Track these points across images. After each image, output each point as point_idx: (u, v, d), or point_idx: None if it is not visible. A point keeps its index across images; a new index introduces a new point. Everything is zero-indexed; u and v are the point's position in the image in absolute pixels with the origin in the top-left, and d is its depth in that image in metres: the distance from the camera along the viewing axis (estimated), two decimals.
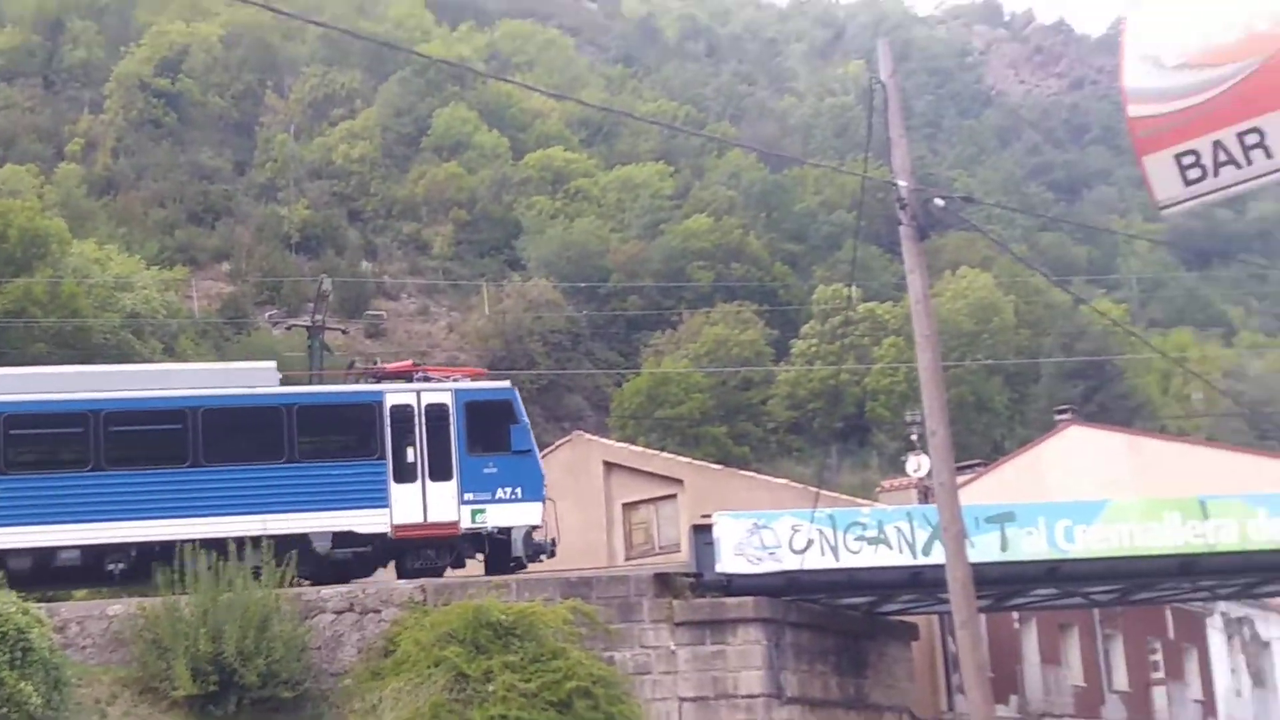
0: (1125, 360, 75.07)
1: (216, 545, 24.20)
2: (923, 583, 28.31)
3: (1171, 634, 44.26)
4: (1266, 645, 50.00)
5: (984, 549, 28.35)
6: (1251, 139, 7.41)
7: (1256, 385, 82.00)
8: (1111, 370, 76.05)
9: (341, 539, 27.26)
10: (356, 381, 31.32)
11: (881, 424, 71.88)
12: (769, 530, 28.09)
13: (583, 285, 77.63)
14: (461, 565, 28.70)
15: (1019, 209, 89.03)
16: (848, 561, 28.63)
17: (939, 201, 14.64)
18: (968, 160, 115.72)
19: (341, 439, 28.66)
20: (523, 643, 23.61)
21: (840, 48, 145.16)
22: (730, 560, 27.52)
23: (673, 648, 26.54)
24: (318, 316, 41.78)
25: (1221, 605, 45.08)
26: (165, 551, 24.93)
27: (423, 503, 27.62)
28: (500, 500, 27.83)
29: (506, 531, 27.93)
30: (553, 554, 29.04)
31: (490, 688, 22.90)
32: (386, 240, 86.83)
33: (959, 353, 72.12)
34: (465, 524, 27.70)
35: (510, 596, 24.94)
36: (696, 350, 74.60)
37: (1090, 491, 40.06)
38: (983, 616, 35.67)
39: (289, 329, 58.23)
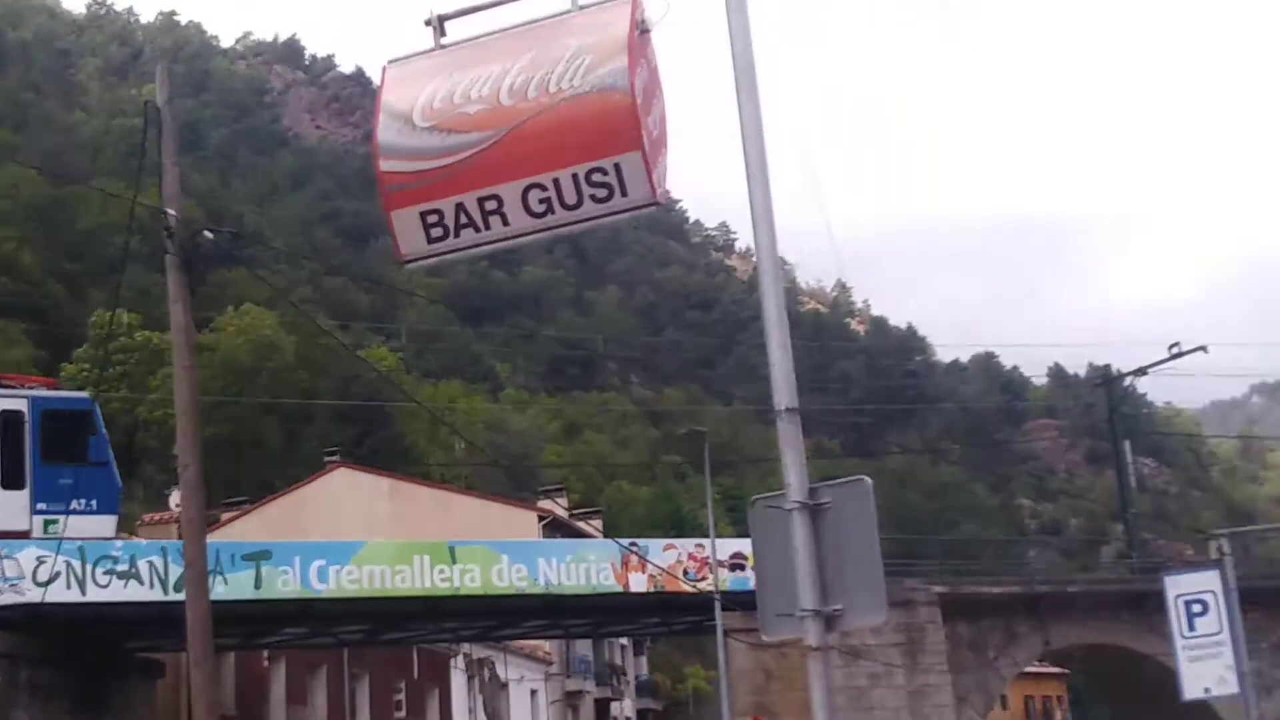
0: (397, 407, 77.17)
1: None
2: (173, 619, 27.77)
3: (416, 674, 45.77)
4: (504, 686, 52.71)
5: (237, 586, 28.33)
6: (491, 205, 7.89)
7: (515, 439, 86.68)
8: (384, 416, 77.95)
9: None
10: None
11: (152, 456, 69.81)
12: (12, 561, 26.71)
13: None
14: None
15: (300, 251, 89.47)
16: (96, 595, 27.76)
17: (208, 234, 14.53)
18: (261, 198, 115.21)
19: None
20: None
21: (137, 68, 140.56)
22: None
23: None
24: None
25: (465, 646, 47.17)
26: None
27: None
28: (75, 512, 26.94)
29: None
30: None
31: None
32: None
33: (237, 388, 71.42)
34: (37, 534, 26.70)
35: None
36: None
37: (353, 533, 40.89)
38: (232, 654, 35.62)
39: None
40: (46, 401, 28.35)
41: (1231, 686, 24.76)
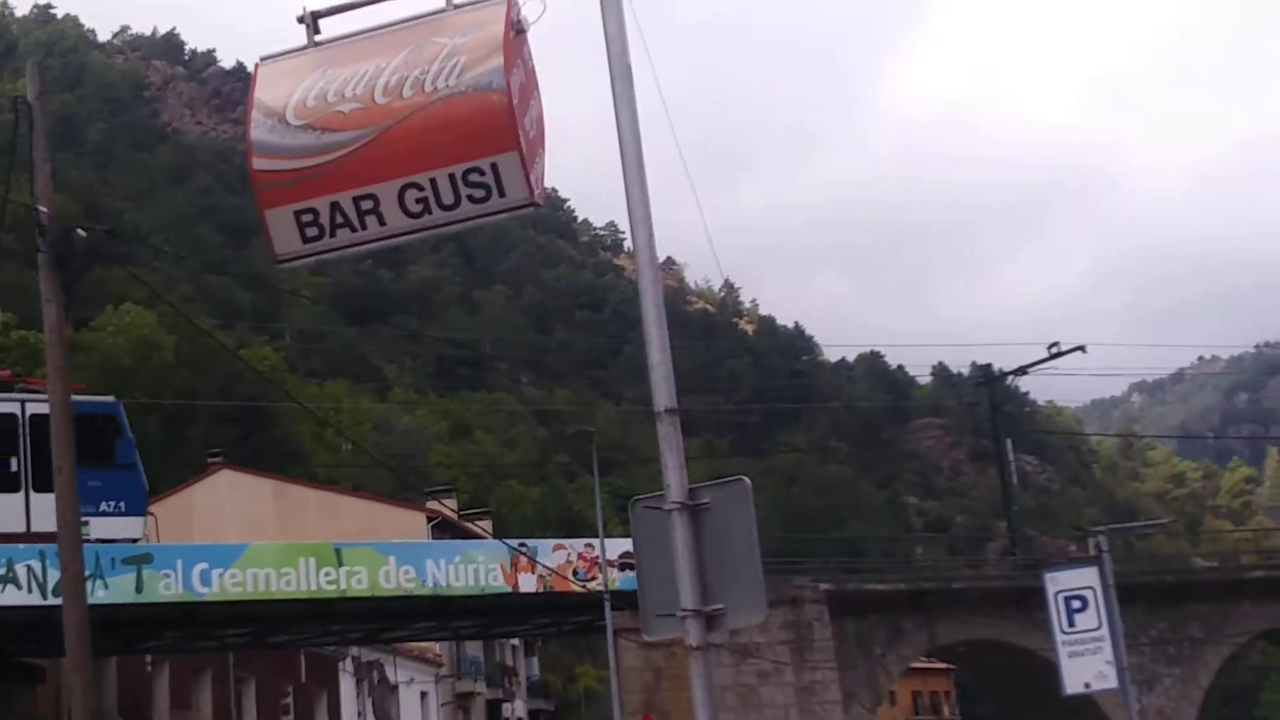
0: (282, 408, 76.29)
1: None
2: (52, 623, 27.29)
3: (304, 678, 45.27)
4: (394, 689, 52.38)
5: (118, 590, 27.94)
6: (367, 205, 7.79)
7: (403, 439, 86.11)
8: (268, 416, 76.99)
9: None
10: None
11: None
12: None
13: None
14: None
15: (180, 249, 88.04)
16: None
17: (81, 232, 14.25)
18: (140, 195, 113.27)
19: None
20: None
21: (11, 63, 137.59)
22: None
23: None
24: None
25: (354, 649, 46.74)
26: None
27: (26, 513, 27.44)
28: (104, 513, 27.75)
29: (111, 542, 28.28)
30: None
31: None
32: None
33: (116, 389, 70.13)
34: None
35: None
36: None
37: (236, 535, 40.45)
38: (114, 659, 34.98)
39: None
40: (74, 405, 28.66)
41: (1111, 681, 25.17)
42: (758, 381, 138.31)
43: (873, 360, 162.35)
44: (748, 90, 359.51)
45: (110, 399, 31.15)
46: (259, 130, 7.87)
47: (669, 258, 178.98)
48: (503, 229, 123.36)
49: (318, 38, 8.07)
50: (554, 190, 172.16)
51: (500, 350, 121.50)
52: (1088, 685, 25.18)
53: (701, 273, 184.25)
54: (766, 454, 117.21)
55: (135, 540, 29.24)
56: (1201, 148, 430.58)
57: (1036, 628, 33.57)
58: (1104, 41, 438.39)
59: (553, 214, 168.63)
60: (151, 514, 30.24)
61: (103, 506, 28.10)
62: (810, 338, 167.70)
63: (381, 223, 7.83)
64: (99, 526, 28.07)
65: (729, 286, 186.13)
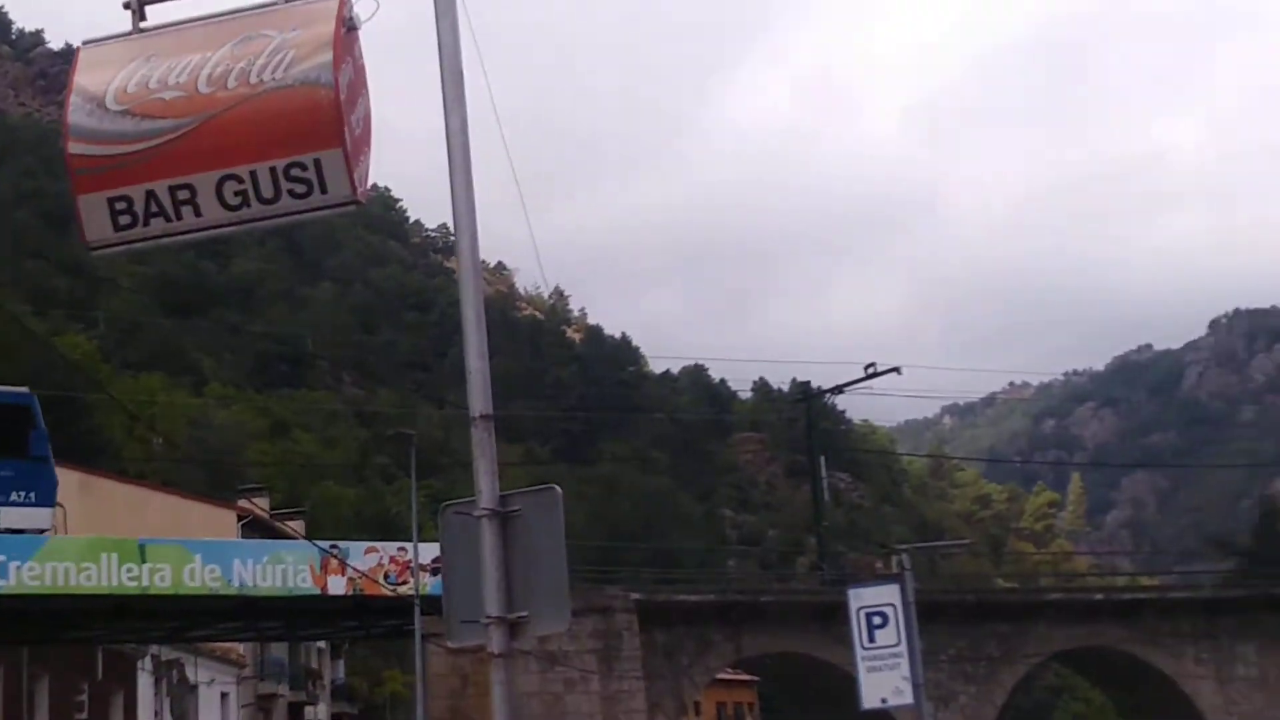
0: (93, 398, 74.34)
1: None
2: None
3: (101, 675, 44.13)
4: (194, 688, 51.31)
5: None
6: (183, 195, 7.65)
7: (219, 435, 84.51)
8: (79, 407, 74.95)
9: None
10: None
11: None
12: None
13: None
14: None
15: None
16: None
17: None
18: None
19: None
20: None
21: None
22: None
23: None
24: None
25: (154, 647, 45.72)
26: None
27: None
28: (14, 504, 27.76)
29: (18, 534, 28.00)
30: None
31: None
32: None
33: None
34: None
35: None
36: None
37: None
38: None
39: None
40: None
41: (907, 697, 25.76)
42: (583, 389, 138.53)
43: (696, 373, 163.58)
44: (579, 108, 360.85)
45: (24, 390, 30.83)
46: (77, 114, 7.72)
47: (500, 263, 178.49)
48: (333, 226, 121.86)
49: (143, 24, 7.92)
50: (387, 190, 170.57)
51: (323, 348, 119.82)
52: (884, 700, 25.75)
53: (532, 279, 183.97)
54: (589, 462, 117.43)
55: (44, 531, 29.01)
56: (1019, 182, 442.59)
57: (839, 642, 34.20)
58: (928, 71, 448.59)
59: (385, 214, 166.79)
60: (60, 505, 29.88)
61: (13, 497, 28.13)
62: (636, 348, 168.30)
63: (198, 214, 7.69)
64: (8, 516, 28.14)
65: (558, 294, 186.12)
